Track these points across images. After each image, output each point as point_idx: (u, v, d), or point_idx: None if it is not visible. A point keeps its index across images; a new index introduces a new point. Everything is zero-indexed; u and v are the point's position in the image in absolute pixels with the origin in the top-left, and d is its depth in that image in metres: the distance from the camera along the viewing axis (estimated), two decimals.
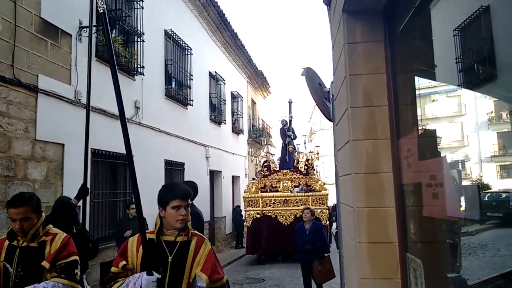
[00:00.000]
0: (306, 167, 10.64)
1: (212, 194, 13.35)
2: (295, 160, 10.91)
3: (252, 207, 10.05)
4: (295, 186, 10.31)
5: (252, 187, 10.26)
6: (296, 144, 11.42)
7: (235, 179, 15.68)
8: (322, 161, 40.53)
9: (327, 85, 3.92)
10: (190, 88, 10.78)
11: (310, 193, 9.98)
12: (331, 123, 3.88)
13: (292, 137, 11.37)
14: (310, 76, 3.82)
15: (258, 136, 17.74)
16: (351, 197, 2.51)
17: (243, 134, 16.51)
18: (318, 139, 41.39)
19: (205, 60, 12.57)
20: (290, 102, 11.78)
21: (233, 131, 15.39)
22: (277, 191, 10.35)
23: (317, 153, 11.03)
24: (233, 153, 15.03)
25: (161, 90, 9.28)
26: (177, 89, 9.99)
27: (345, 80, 2.59)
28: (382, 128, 2.48)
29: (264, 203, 10.05)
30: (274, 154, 12.22)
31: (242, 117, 16.71)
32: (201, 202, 11.57)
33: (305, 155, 11.02)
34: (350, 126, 2.53)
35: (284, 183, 10.30)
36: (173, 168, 9.89)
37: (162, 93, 9.35)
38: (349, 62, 2.56)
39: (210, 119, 12.79)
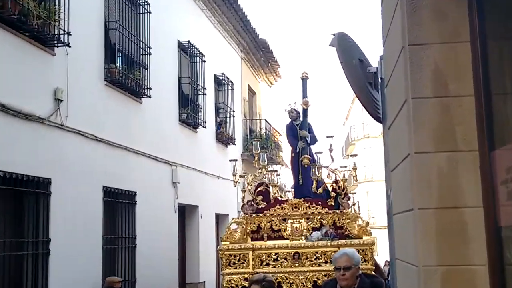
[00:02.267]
0: (334, 194, 9.92)
1: (183, 244, 13.29)
2: (314, 181, 10.51)
3: (236, 268, 9.38)
4: (314, 229, 9.70)
5: (236, 232, 9.68)
6: (316, 153, 10.12)
7: (221, 219, 15.66)
8: (366, 190, 40.78)
9: (373, 62, 3.92)
10: (146, 69, 10.85)
11: (342, 241, 9.24)
12: (381, 125, 3.87)
13: (309, 140, 10.48)
14: (345, 47, 3.83)
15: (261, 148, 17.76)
16: (414, 248, 2.49)
17: (234, 144, 16.56)
18: (359, 152, 41.45)
19: (172, 23, 12.67)
20: (304, 79, 10.61)
21: (217, 139, 15.43)
22: (282, 237, 9.59)
23: (354, 169, 10.57)
24: (217, 176, 15.04)
25: (98, 71, 9.33)
26: (125, 70, 10.05)
27: (403, 54, 2.59)
28: (464, 133, 2.46)
29: (257, 260, 9.19)
30: (276, 171, 11.73)
31: (233, 116, 16.77)
32: (165, 259, 11.56)
33: (332, 171, 10.19)
34: (411, 130, 2.52)
35: (294, 222, 9.48)
36: (117, 201, 9.90)
37: (101, 77, 9.40)
38: (409, 24, 2.56)
39: (180, 120, 12.83)
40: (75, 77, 8.53)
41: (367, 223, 9.79)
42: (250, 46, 18.76)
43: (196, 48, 13.77)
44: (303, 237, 9.38)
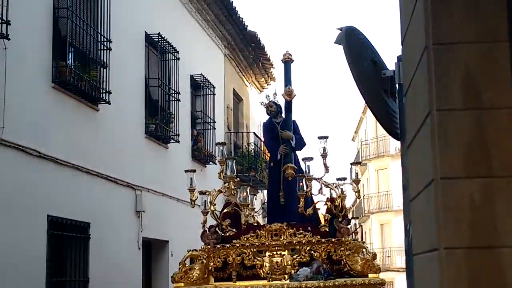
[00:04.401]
0: (328, 217, 9.36)
1: None
2: (301, 199, 9.16)
3: None
4: (301, 264, 8.84)
5: (194, 269, 8.94)
6: (303, 160, 9.41)
7: None
8: (380, 222, 40.76)
9: (390, 64, 3.94)
10: (105, 68, 10.85)
11: (340, 281, 8.48)
12: (399, 142, 3.88)
13: (293, 143, 9.96)
14: (354, 45, 3.83)
15: (246, 169, 17.75)
16: None
17: (214, 163, 16.50)
18: (372, 175, 41.63)
19: (138, 11, 12.68)
20: (287, 62, 10.12)
21: (194, 157, 15.40)
22: (258, 276, 8.96)
23: (356, 182, 9.52)
24: (193, 203, 14.96)
25: (43, 70, 9.31)
26: (78, 69, 10.03)
27: (426, 56, 2.60)
28: (502, 154, 2.48)
29: None
30: (248, 186, 10.61)
31: (214, 128, 16.75)
32: None
33: (326, 186, 9.50)
34: (436, 150, 2.53)
35: (274, 256, 8.90)
36: (66, 235, 9.84)
37: (47, 77, 9.39)
38: (434, 19, 2.58)
39: (147, 132, 12.80)
40: (15, 77, 8.49)
41: (374, 255, 9.12)
42: (236, 41, 18.80)
43: (168, 42, 13.77)
44: (286, 276, 8.78)
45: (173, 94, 14.05)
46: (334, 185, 9.44)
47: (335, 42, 3.89)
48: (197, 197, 9.30)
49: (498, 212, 2.47)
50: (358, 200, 9.89)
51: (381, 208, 39.90)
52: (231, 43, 18.54)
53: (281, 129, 9.90)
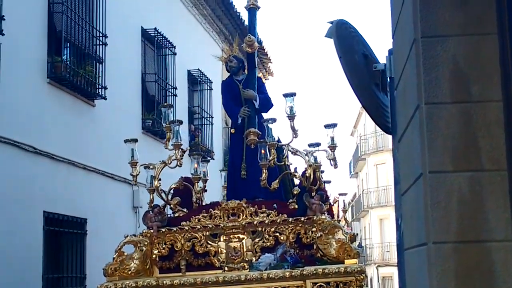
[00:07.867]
0: (297, 191, 7.80)
1: None
2: (264, 170, 7.67)
3: None
4: (264, 250, 7.52)
5: (132, 259, 7.44)
6: (265, 122, 7.76)
7: None
8: (379, 217, 40.80)
9: (381, 57, 3.93)
10: (101, 63, 10.83)
11: (310, 269, 7.10)
12: (390, 136, 3.88)
13: (257, 104, 8.48)
14: (345, 38, 3.82)
15: None
16: None
17: (212, 159, 16.50)
18: (370, 170, 41.68)
19: (134, 6, 12.66)
20: (251, 9, 8.90)
21: (192, 153, 15.36)
22: (211, 266, 7.60)
23: (332, 148, 8.09)
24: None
25: (39, 66, 9.31)
26: (73, 65, 10.03)
27: (415, 49, 2.60)
28: (491, 147, 2.48)
29: None
30: (202, 155, 8.89)
31: (212, 123, 16.74)
32: None
33: (295, 153, 8.04)
34: (424, 144, 2.54)
35: (231, 240, 7.57)
36: (63, 231, 9.84)
37: (42, 73, 9.39)
38: (422, 11, 2.59)
39: (144, 128, 12.79)
40: (9, 73, 8.48)
41: (353, 236, 7.97)
42: (234, 36, 18.76)
43: (164, 37, 13.78)
44: (245, 265, 7.47)
45: (170, 89, 14.04)
46: (305, 152, 7.98)
47: (326, 36, 3.89)
48: (139, 172, 8.10)
49: (487, 206, 2.47)
50: (334, 165, 8.13)
51: (380, 203, 39.94)
52: (228, 38, 18.51)
53: (243, 87, 8.55)
